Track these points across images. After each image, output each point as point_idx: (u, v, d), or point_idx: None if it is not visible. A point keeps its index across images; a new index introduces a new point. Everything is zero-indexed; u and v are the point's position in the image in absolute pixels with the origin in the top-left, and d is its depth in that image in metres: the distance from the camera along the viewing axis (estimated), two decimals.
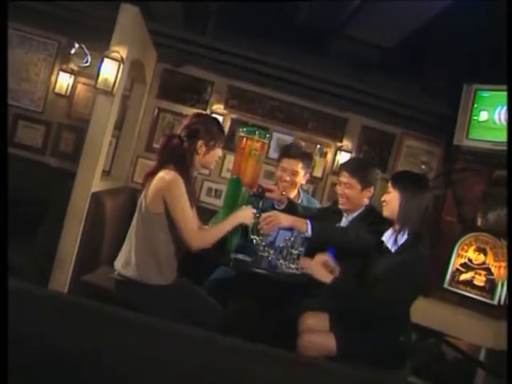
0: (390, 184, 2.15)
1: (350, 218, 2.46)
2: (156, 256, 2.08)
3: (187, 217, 2.05)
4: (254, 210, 2.26)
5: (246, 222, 2.25)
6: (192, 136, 2.13)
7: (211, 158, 2.21)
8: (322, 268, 2.15)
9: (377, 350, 2.02)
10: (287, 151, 2.82)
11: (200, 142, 2.14)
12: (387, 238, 2.12)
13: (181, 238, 2.06)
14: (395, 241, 2.08)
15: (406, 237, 2.06)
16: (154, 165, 2.14)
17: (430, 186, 2.15)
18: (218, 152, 2.23)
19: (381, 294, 1.98)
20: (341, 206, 2.47)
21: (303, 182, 2.85)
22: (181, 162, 2.09)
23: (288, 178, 2.76)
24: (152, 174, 2.09)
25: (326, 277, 2.10)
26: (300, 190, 2.91)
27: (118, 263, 2.15)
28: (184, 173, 2.07)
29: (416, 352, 3.47)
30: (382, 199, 2.18)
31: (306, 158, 2.84)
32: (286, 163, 2.77)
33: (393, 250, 2.08)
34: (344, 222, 2.49)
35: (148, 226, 2.08)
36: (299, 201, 2.86)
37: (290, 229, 2.35)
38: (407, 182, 2.12)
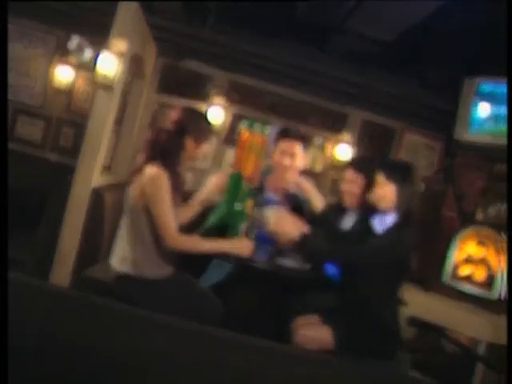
0: (384, 177, 2.13)
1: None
2: (149, 251, 2.08)
3: (166, 214, 2.01)
4: (252, 244, 2.16)
5: (243, 255, 2.15)
6: (180, 132, 2.12)
7: (199, 152, 2.21)
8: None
9: (365, 331, 2.04)
10: (286, 132, 2.62)
11: (188, 139, 2.14)
12: (375, 220, 2.18)
13: (158, 233, 2.03)
14: (381, 223, 2.14)
15: (392, 221, 2.11)
16: (142, 160, 2.12)
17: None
18: (206, 147, 2.24)
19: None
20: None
21: (301, 167, 2.68)
22: (167, 158, 2.08)
23: (288, 162, 2.57)
24: (139, 170, 2.08)
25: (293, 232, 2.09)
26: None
27: (115, 261, 2.15)
28: (170, 169, 2.05)
29: (415, 345, 3.48)
30: (380, 193, 2.16)
31: (305, 140, 2.69)
32: (285, 145, 2.56)
33: (380, 232, 2.14)
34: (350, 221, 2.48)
35: (136, 222, 2.07)
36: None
37: None
38: (404, 174, 2.14)
